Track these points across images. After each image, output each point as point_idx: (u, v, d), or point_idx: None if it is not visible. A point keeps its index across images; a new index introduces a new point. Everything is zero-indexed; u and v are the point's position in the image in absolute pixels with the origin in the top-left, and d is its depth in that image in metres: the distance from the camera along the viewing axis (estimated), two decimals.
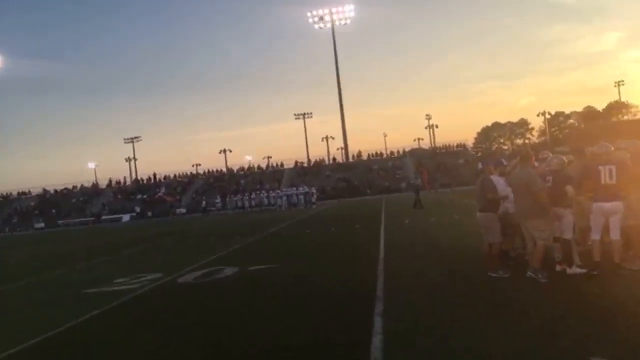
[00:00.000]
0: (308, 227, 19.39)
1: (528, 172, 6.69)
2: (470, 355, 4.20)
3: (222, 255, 12.54)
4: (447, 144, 65.55)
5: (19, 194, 67.57)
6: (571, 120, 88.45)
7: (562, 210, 6.61)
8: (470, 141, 79.16)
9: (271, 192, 45.31)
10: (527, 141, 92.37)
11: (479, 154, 79.79)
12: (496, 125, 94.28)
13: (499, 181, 7.56)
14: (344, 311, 6.00)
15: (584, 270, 6.53)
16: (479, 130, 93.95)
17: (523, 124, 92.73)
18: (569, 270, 6.61)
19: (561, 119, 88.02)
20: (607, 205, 6.47)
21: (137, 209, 56.18)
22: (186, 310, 6.94)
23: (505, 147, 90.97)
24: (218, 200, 48.81)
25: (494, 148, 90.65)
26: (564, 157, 7.09)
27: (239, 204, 45.21)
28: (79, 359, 5.17)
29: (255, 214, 37.36)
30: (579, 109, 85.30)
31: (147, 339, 5.65)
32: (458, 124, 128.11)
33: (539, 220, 6.49)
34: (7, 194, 68.17)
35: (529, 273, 6.57)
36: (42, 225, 54.79)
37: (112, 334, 6.08)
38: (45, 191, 66.76)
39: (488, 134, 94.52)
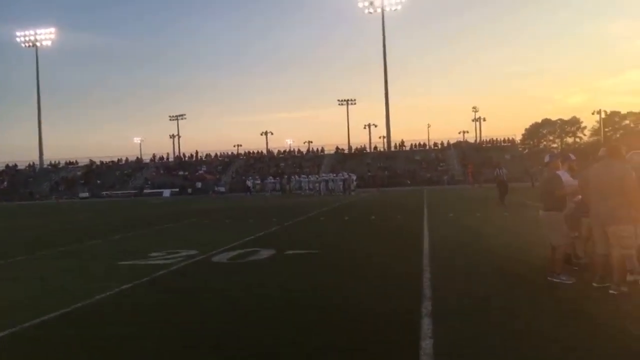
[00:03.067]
0: (347, 214, 18.89)
1: (621, 167, 5.69)
2: None
3: (259, 236, 12.22)
4: (494, 139, 63.39)
5: (66, 163, 69.90)
6: (627, 121, 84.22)
7: None
8: (517, 137, 76.47)
9: (310, 176, 44.99)
10: (578, 140, 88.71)
11: (527, 150, 77.22)
12: (546, 122, 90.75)
13: (565, 176, 6.83)
14: (386, 310, 5.47)
15: None
16: (527, 126, 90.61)
17: (575, 122, 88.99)
18: None
19: (616, 119, 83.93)
20: None
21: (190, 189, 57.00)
22: (216, 290, 6.59)
23: (555, 145, 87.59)
24: (258, 181, 48.93)
25: (542, 145, 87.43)
26: None
27: (277, 186, 45.19)
28: (103, 332, 4.86)
29: (292, 197, 37.14)
30: (636, 109, 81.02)
31: (173, 317, 5.31)
32: (506, 119, 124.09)
33: (627, 225, 5.53)
34: (55, 162, 70.63)
35: (595, 283, 5.85)
36: (86, 194, 56.50)
37: (139, 309, 5.79)
38: (91, 162, 68.76)
39: (537, 130, 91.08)
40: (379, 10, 64.28)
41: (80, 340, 4.72)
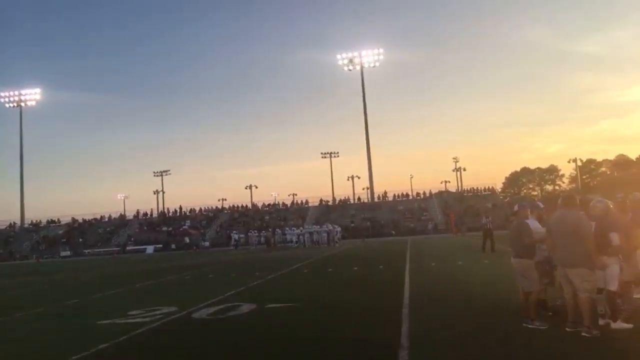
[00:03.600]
0: (330, 266, 18.88)
1: (576, 215, 6.06)
2: None
3: (240, 290, 12.16)
4: (475, 188, 64.47)
5: (48, 222, 68.89)
6: (603, 168, 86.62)
7: (607, 260, 6.07)
8: (498, 186, 77.87)
9: (294, 229, 44.95)
10: (557, 187, 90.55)
11: (507, 198, 78.42)
12: (525, 171, 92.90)
13: (534, 224, 7.09)
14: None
15: (630, 326, 5.95)
16: (507, 175, 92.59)
17: (553, 170, 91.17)
18: (613, 325, 6.03)
19: (592, 166, 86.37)
20: None
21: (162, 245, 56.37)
22: (196, 347, 6.56)
23: (535, 193, 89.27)
24: (243, 234, 48.65)
25: (522, 193, 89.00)
26: (609, 203, 6.59)
27: (262, 239, 44.98)
28: None
29: (277, 250, 36.93)
30: (610, 157, 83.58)
31: None
32: (485, 169, 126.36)
33: (585, 269, 5.82)
34: (37, 221, 69.59)
35: (568, 328, 6.00)
36: (68, 253, 55.44)
37: None
38: (73, 220, 67.88)
39: (517, 179, 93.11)
40: (358, 67, 66.61)
41: None
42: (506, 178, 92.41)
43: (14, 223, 69.80)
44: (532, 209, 7.54)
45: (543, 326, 6.28)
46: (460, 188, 67.20)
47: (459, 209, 54.25)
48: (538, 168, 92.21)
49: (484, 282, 10.92)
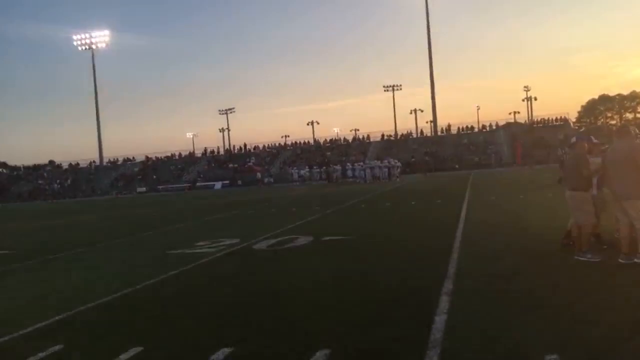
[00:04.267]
0: (388, 200, 19.08)
1: (629, 144, 5.84)
2: (543, 345, 3.81)
3: (300, 224, 12.68)
4: (547, 118, 61.06)
5: (124, 160, 73.20)
6: None
7: None
8: (573, 115, 73.34)
9: (356, 164, 45.18)
10: (639, 115, 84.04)
11: (583, 128, 73.97)
12: (604, 98, 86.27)
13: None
14: (410, 289, 5.76)
15: None
16: (583, 103, 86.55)
17: (635, 96, 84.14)
18: None
19: None
20: None
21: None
22: (255, 275, 7.08)
23: (613, 122, 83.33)
24: (305, 170, 49.56)
25: (599, 123, 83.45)
26: None
27: (323, 175, 45.66)
28: (148, 317, 5.40)
29: (338, 185, 37.51)
30: None
31: (214, 300, 5.81)
32: (559, 97, 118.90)
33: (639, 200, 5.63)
34: (114, 159, 74.16)
35: (620, 259, 5.90)
36: (143, 189, 59.10)
37: (183, 294, 6.34)
38: (147, 158, 71.70)
39: (594, 107, 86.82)
40: None
41: (126, 321, 5.31)
42: (582, 107, 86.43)
43: (94, 161, 74.80)
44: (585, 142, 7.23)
45: (595, 259, 6.21)
46: (530, 119, 64.09)
47: (527, 141, 52.00)
48: (618, 95, 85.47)
49: (542, 217, 10.71)
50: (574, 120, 72.76)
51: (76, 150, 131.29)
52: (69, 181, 69.01)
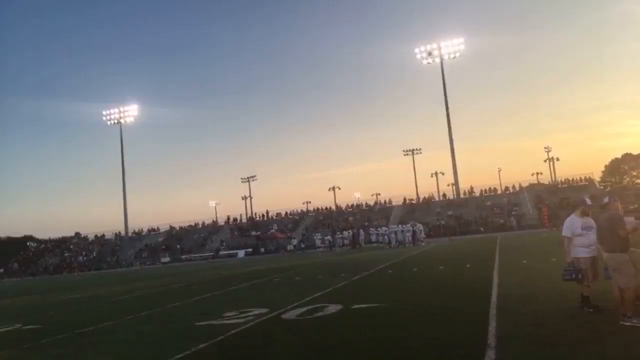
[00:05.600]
0: (415, 265, 18.73)
1: None
2: None
3: (327, 292, 12.47)
4: (570, 179, 60.37)
5: (149, 230, 74.14)
6: None
7: None
8: (597, 175, 72.34)
9: (379, 229, 44.87)
10: None
11: (608, 188, 72.71)
12: (627, 157, 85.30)
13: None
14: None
15: None
16: (606, 162, 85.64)
17: None
18: None
19: None
20: None
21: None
22: (286, 347, 6.91)
23: (639, 181, 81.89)
24: (328, 236, 49.34)
25: (625, 182, 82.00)
26: None
27: (347, 241, 45.34)
28: None
29: (362, 251, 37.08)
30: None
31: None
32: (581, 158, 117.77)
33: None
34: (139, 230, 75.15)
35: None
36: (167, 259, 59.27)
37: None
38: (171, 228, 72.53)
39: (618, 166, 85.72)
40: (438, 59, 65.14)
41: None
42: (606, 166, 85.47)
43: (119, 233, 75.83)
44: (577, 205, 7.29)
45: None
46: (553, 179, 63.46)
47: (552, 202, 51.23)
48: None
49: None
50: (598, 179, 71.67)
51: (103, 221, 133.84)
52: (94, 253, 69.78)
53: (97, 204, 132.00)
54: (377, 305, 9.62)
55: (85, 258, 67.33)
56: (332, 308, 9.62)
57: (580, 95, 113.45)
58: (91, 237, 76.14)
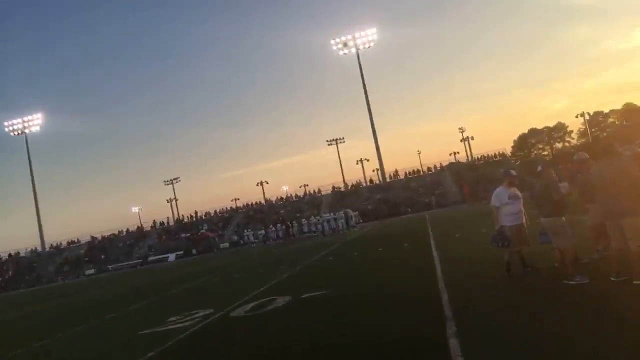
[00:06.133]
0: (354, 249, 18.93)
1: (622, 163, 5.84)
2: None
3: (272, 285, 12.24)
4: (485, 155, 63.95)
5: (68, 243, 69.60)
6: (611, 119, 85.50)
7: None
8: (508, 150, 77.21)
9: (311, 218, 45.04)
10: (567, 144, 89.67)
11: (519, 161, 77.79)
12: (533, 132, 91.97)
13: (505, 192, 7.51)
14: (414, 336, 5.55)
15: None
16: (515, 138, 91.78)
17: (560, 127, 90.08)
18: None
19: (600, 118, 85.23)
20: None
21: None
22: (240, 344, 6.64)
23: (545, 153, 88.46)
24: (261, 231, 48.77)
25: (533, 154, 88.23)
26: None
27: (280, 233, 45.15)
28: None
29: (297, 242, 37.08)
30: (617, 107, 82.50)
31: None
32: (493, 135, 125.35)
33: (638, 217, 5.60)
34: (57, 244, 70.33)
35: (613, 277, 5.98)
36: (92, 271, 56.00)
37: None
38: (93, 238, 68.52)
39: (525, 141, 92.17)
40: (354, 50, 66.10)
41: None
42: (514, 141, 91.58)
43: (36, 248, 70.63)
44: (504, 176, 7.66)
45: (585, 280, 6.27)
46: (470, 157, 66.81)
47: (471, 178, 53.96)
48: (546, 127, 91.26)
49: None
50: (509, 154, 76.47)
51: (16, 238, 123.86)
52: (10, 272, 64.50)
53: (7, 220, 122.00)
54: (326, 292, 9.53)
55: None
56: (281, 300, 9.42)
57: (489, 78, 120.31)
58: (4, 255, 70.25)
